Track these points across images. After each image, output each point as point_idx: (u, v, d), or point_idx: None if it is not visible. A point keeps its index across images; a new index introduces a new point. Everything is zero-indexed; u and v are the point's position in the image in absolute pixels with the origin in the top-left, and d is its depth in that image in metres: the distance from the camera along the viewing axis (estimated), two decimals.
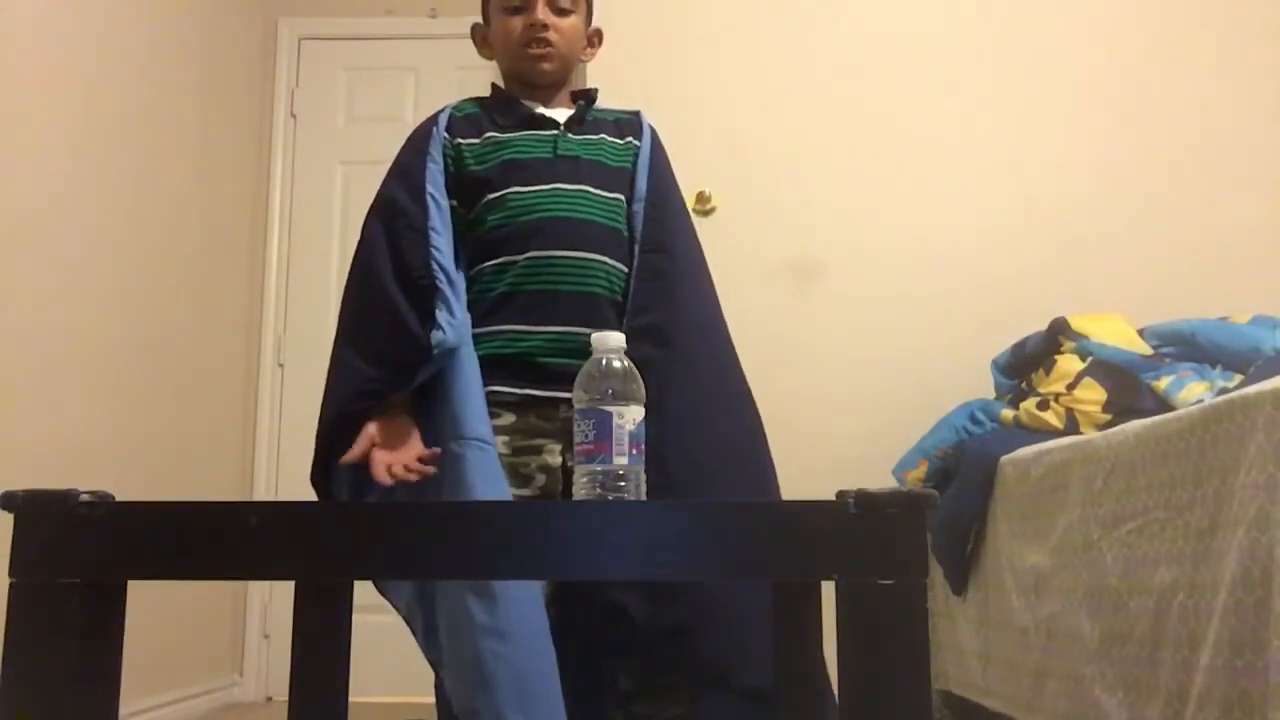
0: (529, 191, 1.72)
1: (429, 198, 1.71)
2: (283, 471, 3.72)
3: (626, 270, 1.74)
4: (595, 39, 1.88)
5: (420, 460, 1.56)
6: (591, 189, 1.74)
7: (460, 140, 1.78)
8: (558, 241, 1.69)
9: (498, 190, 1.72)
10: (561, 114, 1.81)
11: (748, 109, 3.14)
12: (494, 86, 1.89)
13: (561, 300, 1.67)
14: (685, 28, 3.15)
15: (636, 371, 1.20)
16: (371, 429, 1.58)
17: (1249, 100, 3.11)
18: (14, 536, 0.94)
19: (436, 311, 1.59)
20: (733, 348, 1.81)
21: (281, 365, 3.78)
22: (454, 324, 1.61)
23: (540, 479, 1.64)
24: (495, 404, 1.64)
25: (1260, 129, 3.10)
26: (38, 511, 0.95)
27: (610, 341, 1.20)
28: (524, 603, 1.48)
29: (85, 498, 0.95)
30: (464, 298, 1.69)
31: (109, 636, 0.97)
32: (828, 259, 3.08)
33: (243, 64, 3.77)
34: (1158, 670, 1.52)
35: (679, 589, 1.56)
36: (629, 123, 1.86)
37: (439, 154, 1.77)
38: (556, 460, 1.65)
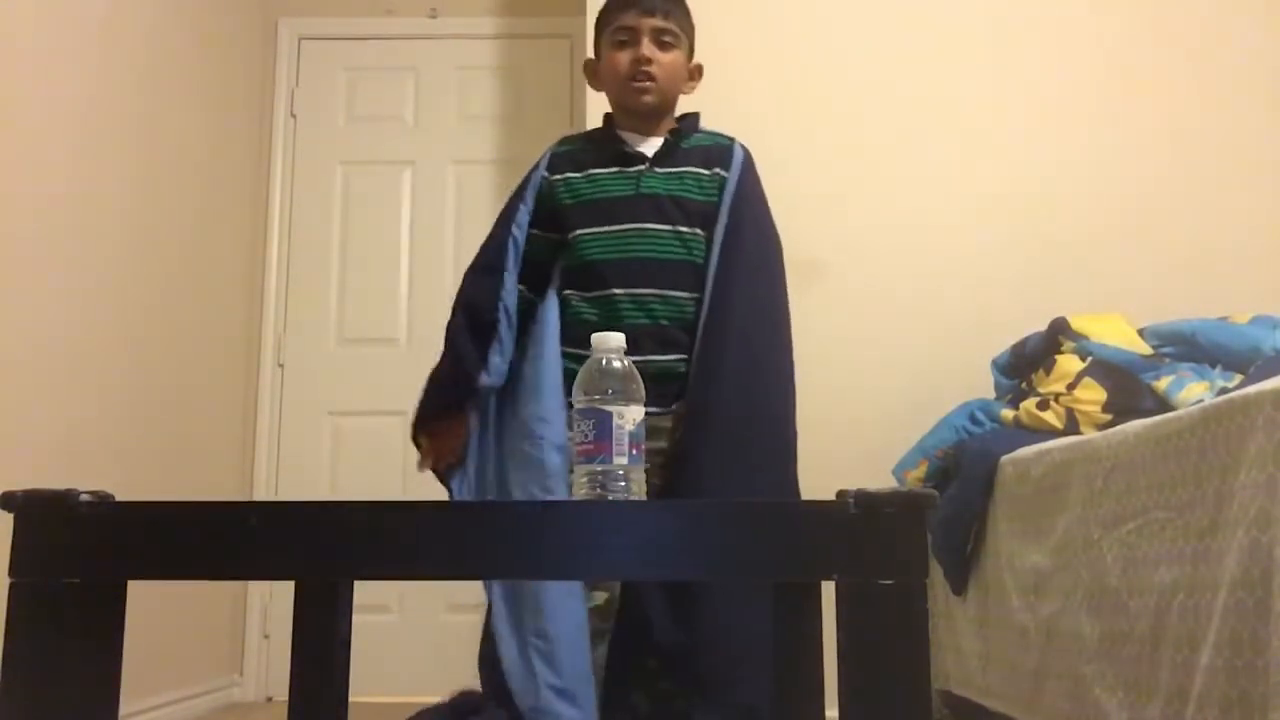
0: (612, 231, 1.85)
1: (511, 239, 1.89)
2: (283, 471, 3.72)
3: (698, 297, 1.85)
4: (696, 73, 1.99)
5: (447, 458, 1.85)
6: (671, 226, 1.85)
7: (557, 176, 1.92)
8: (637, 280, 1.83)
9: (584, 227, 1.87)
10: (654, 146, 1.91)
11: (748, 109, 3.14)
12: (605, 117, 2.00)
13: (640, 331, 1.80)
14: None
15: (636, 372, 1.20)
16: (425, 443, 1.88)
17: (1249, 101, 3.11)
18: (14, 536, 0.94)
19: (490, 354, 1.84)
20: (783, 400, 2.01)
21: (281, 365, 3.78)
22: (500, 367, 1.86)
23: None
24: None
25: (1260, 129, 3.10)
26: (38, 511, 0.95)
27: (610, 341, 1.20)
28: (566, 607, 1.67)
29: (85, 498, 0.95)
30: (547, 316, 1.88)
31: (109, 636, 0.97)
32: (828, 259, 3.07)
33: (243, 64, 3.76)
34: (1158, 670, 1.52)
35: (688, 608, 1.65)
36: (720, 152, 1.94)
37: (532, 196, 1.93)
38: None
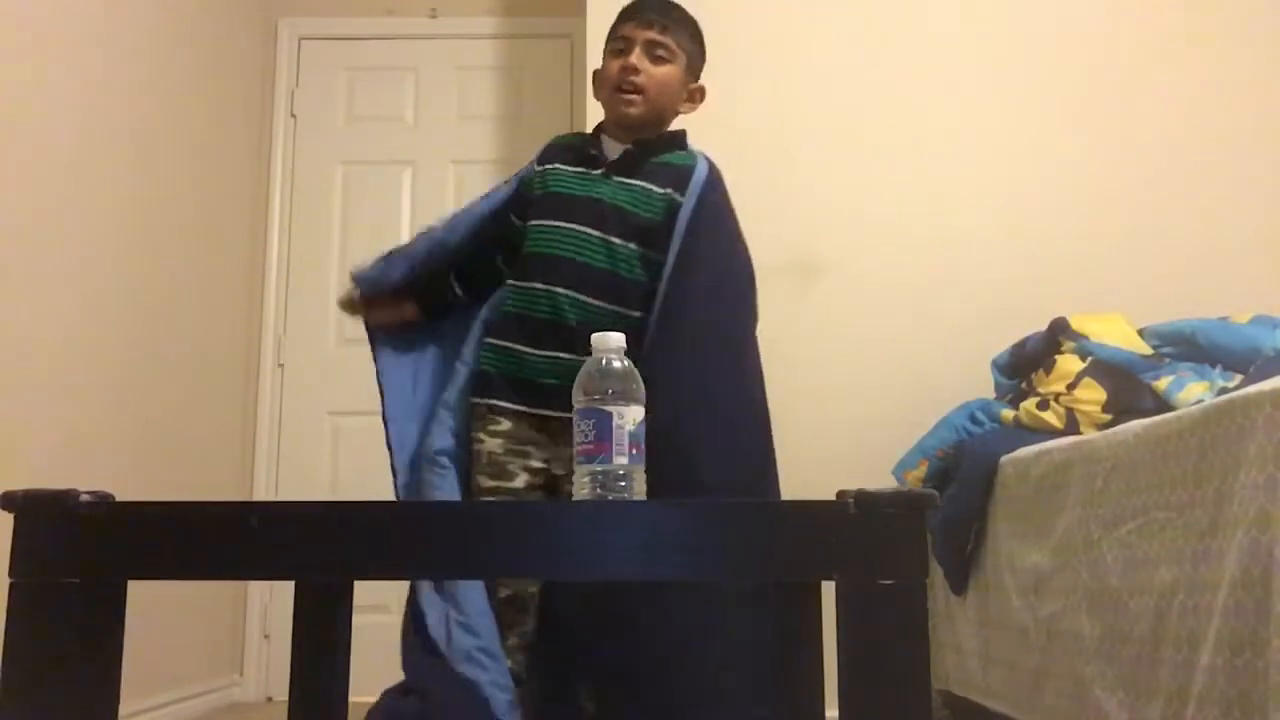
0: (552, 226, 1.86)
1: (480, 214, 1.97)
2: (283, 471, 3.72)
3: (641, 316, 1.81)
4: (697, 94, 1.96)
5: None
6: (601, 234, 1.83)
7: (539, 168, 1.95)
8: (564, 280, 1.82)
9: (538, 219, 1.89)
10: (615, 150, 1.91)
11: (748, 109, 3.14)
12: (598, 123, 2.01)
13: (545, 327, 1.82)
14: None
15: (636, 372, 1.20)
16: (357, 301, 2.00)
17: (1249, 101, 3.11)
18: (14, 536, 0.94)
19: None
20: (751, 427, 1.82)
21: (281, 365, 3.78)
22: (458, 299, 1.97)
23: (523, 477, 1.83)
24: (495, 412, 1.85)
25: (1261, 130, 3.10)
26: (38, 511, 0.95)
27: (610, 342, 1.20)
28: (471, 596, 1.73)
29: (85, 498, 0.95)
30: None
31: (109, 636, 0.96)
32: (828, 259, 3.08)
33: (243, 64, 3.76)
34: (1158, 670, 1.52)
35: (638, 630, 1.66)
36: (680, 173, 1.88)
37: (517, 180, 1.98)
38: (540, 464, 1.84)
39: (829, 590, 0.97)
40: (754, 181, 3.11)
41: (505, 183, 2.00)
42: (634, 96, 1.86)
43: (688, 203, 1.84)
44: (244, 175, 3.75)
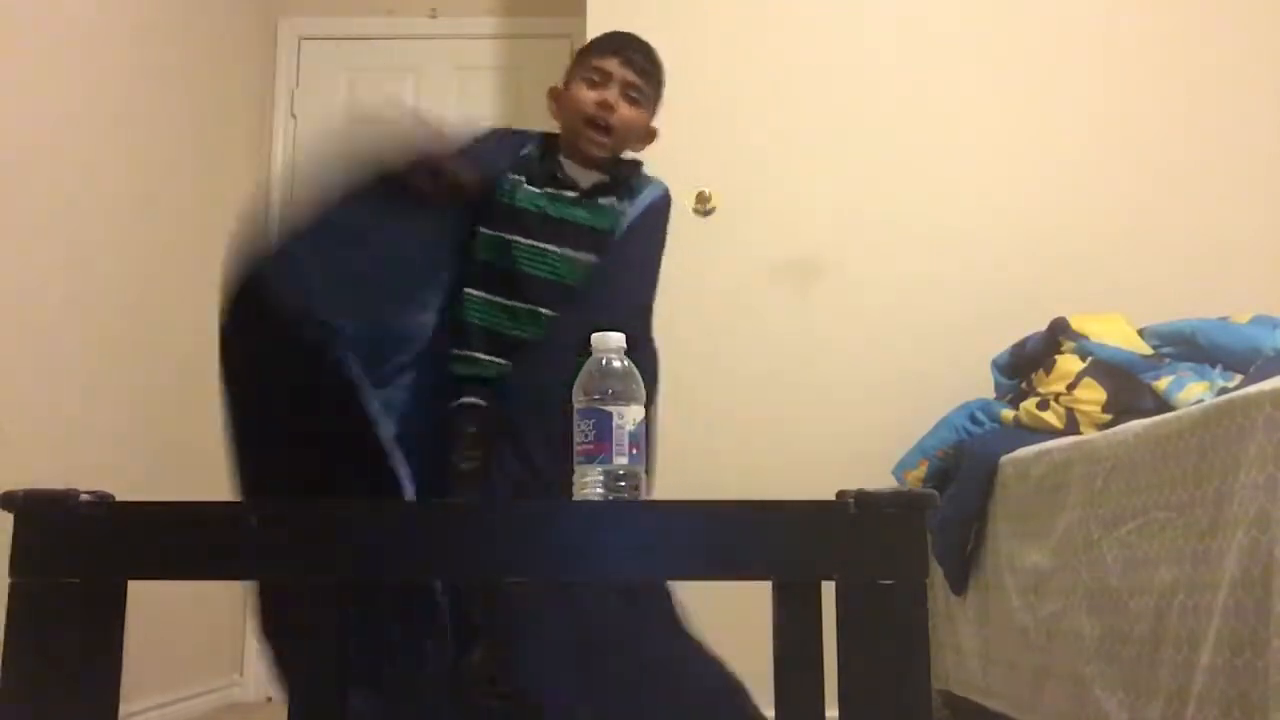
0: (530, 245, 1.84)
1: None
2: None
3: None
4: (650, 135, 1.94)
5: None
6: (578, 253, 1.84)
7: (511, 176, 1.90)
8: (547, 301, 1.82)
9: (500, 229, 1.85)
10: (590, 179, 1.90)
11: (748, 109, 3.14)
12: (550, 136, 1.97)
13: (533, 344, 1.83)
14: (685, 27, 3.15)
15: (636, 372, 1.20)
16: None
17: (1249, 101, 3.11)
18: (14, 536, 0.93)
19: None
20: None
21: None
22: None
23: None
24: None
25: (1261, 130, 3.10)
26: (38, 511, 0.95)
27: (610, 341, 1.20)
28: None
29: (85, 498, 0.95)
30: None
31: (109, 636, 0.96)
32: (828, 259, 3.08)
33: (243, 64, 3.76)
34: (1158, 670, 1.52)
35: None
36: (632, 188, 1.92)
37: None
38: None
39: (829, 590, 0.97)
40: (754, 182, 3.12)
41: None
42: (604, 139, 1.86)
43: (629, 216, 1.88)
44: (244, 175, 3.75)
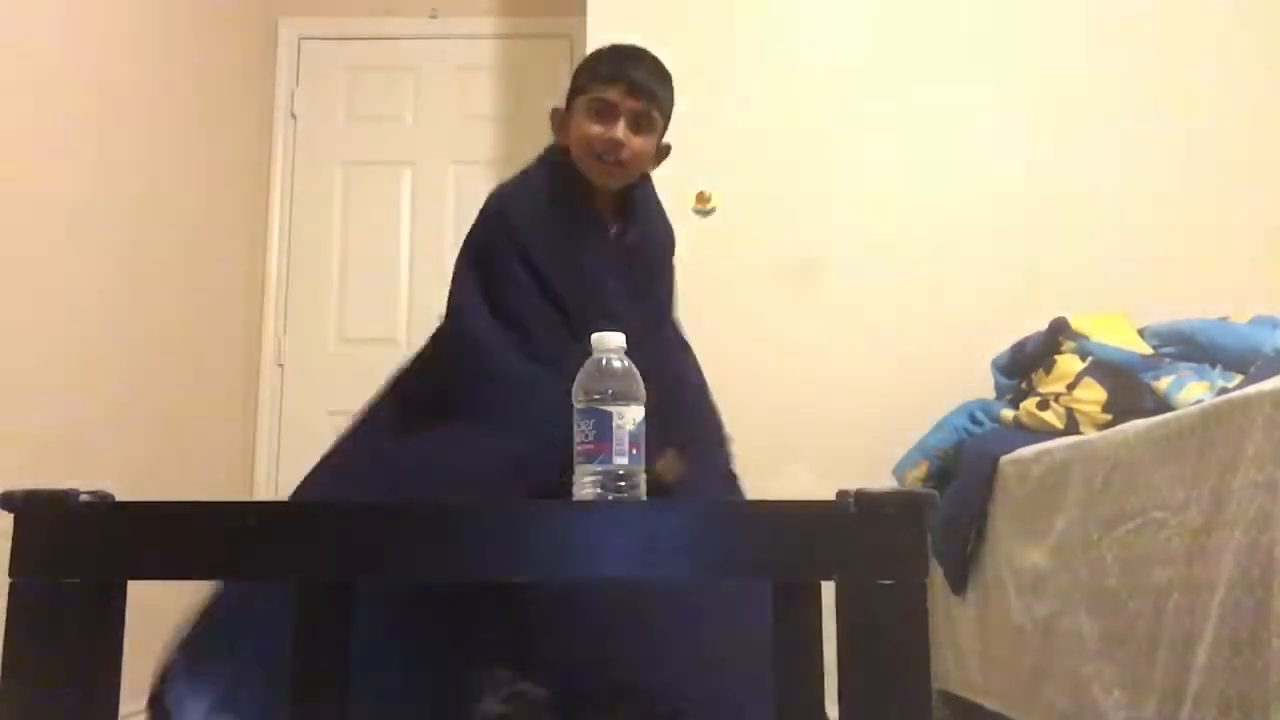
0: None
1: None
2: (283, 472, 3.71)
3: None
4: (664, 153, 1.87)
5: None
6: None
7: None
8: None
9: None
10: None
11: (748, 109, 3.14)
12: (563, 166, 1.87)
13: None
14: (685, 27, 3.15)
15: (636, 371, 1.20)
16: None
17: (1250, 101, 3.11)
18: (14, 536, 0.93)
19: None
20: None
21: (281, 365, 3.78)
22: None
23: None
24: None
25: (1261, 130, 3.10)
26: (38, 511, 0.95)
27: (610, 341, 1.20)
28: None
29: (85, 498, 0.95)
30: None
31: (109, 636, 0.96)
32: (828, 259, 3.08)
33: (243, 64, 3.76)
34: (1156, 669, 1.52)
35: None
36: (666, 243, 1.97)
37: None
38: None
39: (829, 590, 0.97)
40: (756, 182, 3.12)
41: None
42: (616, 170, 1.78)
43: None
44: (244, 175, 3.75)
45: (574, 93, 1.82)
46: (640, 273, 1.86)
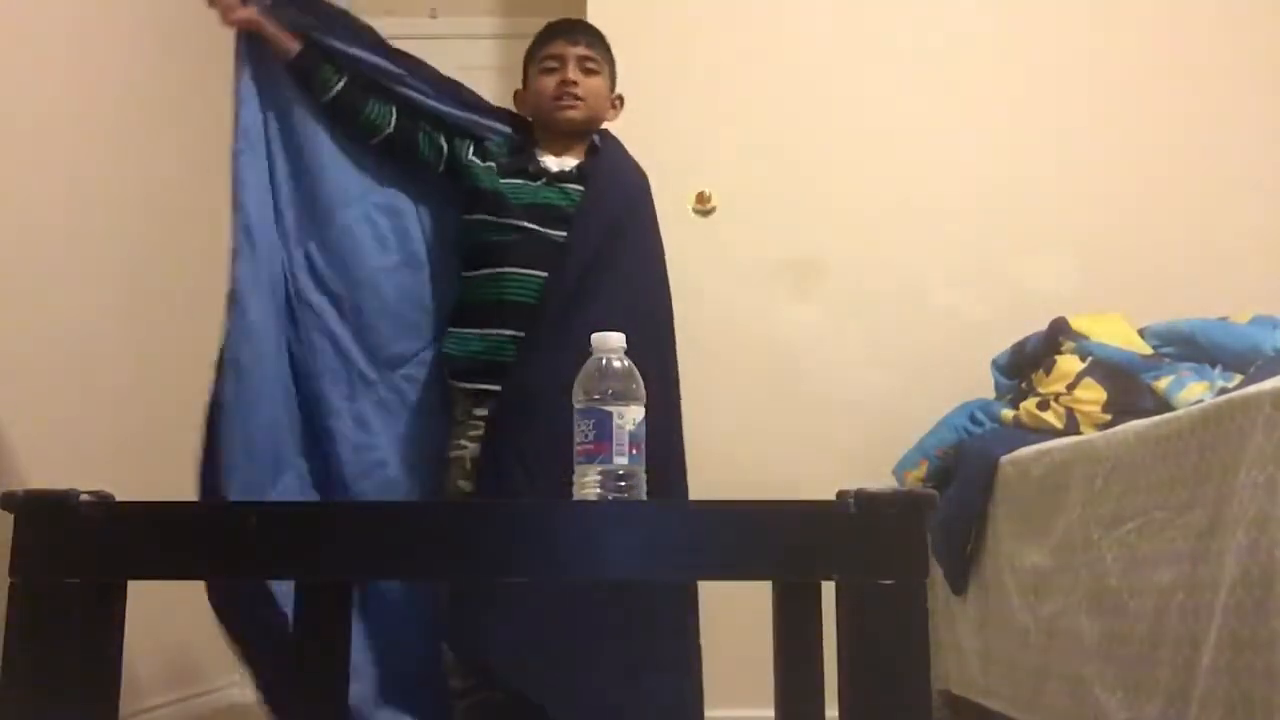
0: (531, 228, 2.05)
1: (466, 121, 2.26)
2: None
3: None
4: (618, 102, 2.16)
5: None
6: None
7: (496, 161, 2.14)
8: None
9: (501, 215, 2.07)
10: (568, 162, 2.10)
11: (748, 109, 3.14)
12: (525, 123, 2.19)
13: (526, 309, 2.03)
14: (685, 27, 3.15)
15: (637, 371, 1.20)
16: None
17: (1250, 100, 3.11)
18: (14, 536, 0.93)
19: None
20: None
21: None
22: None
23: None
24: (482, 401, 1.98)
25: (1262, 129, 3.10)
26: (38, 511, 0.95)
27: (610, 342, 1.20)
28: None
29: (85, 498, 0.95)
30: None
31: (109, 636, 0.96)
32: (828, 259, 3.07)
33: None
34: (1157, 670, 1.52)
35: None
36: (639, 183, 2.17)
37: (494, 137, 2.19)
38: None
39: (829, 590, 0.97)
40: (752, 182, 3.12)
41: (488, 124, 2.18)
42: (576, 103, 2.05)
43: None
44: None
45: (526, 72, 2.17)
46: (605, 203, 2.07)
